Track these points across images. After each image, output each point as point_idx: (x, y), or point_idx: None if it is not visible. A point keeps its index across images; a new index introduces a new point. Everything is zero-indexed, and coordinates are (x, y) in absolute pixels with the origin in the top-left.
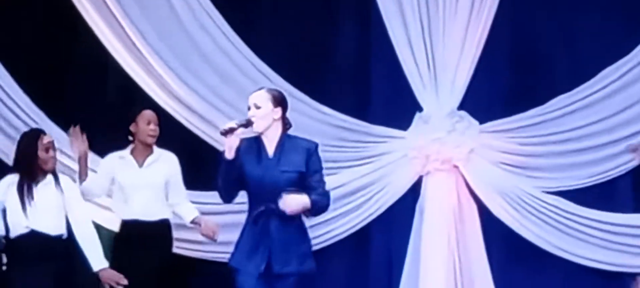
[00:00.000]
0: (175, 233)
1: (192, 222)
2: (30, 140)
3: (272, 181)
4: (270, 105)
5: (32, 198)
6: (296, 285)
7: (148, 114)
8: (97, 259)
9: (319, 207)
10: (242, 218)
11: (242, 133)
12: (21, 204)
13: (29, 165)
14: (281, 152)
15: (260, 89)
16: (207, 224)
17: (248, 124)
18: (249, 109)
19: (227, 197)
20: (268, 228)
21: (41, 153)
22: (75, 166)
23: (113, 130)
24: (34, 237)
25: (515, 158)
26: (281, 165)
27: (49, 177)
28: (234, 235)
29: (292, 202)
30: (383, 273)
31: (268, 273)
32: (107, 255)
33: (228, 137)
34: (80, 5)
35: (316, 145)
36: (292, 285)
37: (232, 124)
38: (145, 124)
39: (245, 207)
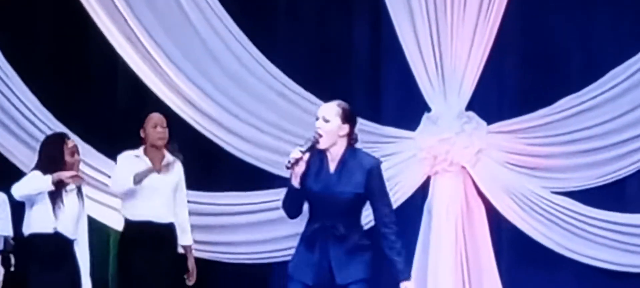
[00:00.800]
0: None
1: (183, 246)
2: (56, 144)
3: (330, 198)
4: (338, 120)
5: (62, 201)
6: None
7: (155, 117)
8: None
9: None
10: (251, 218)
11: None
12: (53, 205)
13: (58, 169)
14: (342, 169)
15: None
16: (191, 271)
17: (313, 145)
18: (317, 119)
19: (293, 215)
20: (327, 249)
21: (67, 158)
22: (88, 171)
23: (122, 132)
24: (58, 239)
25: (523, 159)
26: (341, 184)
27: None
28: (243, 236)
29: None
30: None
31: (331, 286)
32: (114, 255)
33: (294, 168)
34: (90, 8)
35: (378, 164)
36: None
37: (297, 154)
38: (152, 128)
39: (254, 207)
